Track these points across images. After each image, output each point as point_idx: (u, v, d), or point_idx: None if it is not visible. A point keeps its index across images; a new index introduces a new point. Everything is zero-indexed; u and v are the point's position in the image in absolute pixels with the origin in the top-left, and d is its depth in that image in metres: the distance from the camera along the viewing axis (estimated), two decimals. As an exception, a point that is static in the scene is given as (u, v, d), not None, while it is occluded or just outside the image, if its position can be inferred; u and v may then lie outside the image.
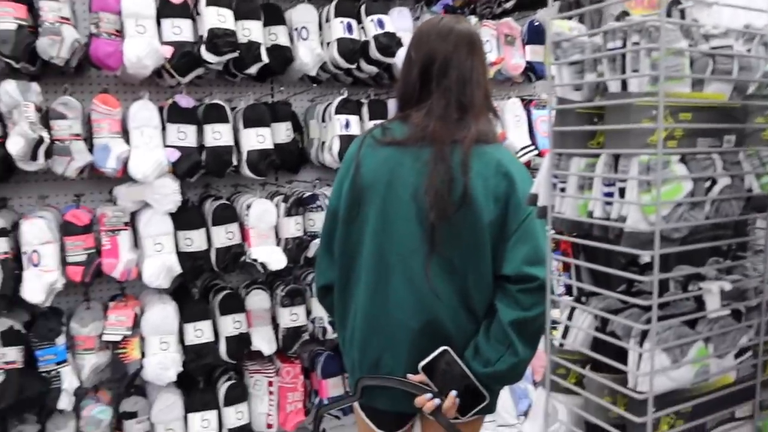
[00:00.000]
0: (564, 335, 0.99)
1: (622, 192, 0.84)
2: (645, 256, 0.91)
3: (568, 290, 1.13)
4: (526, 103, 2.99)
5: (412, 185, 1.45)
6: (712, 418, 0.94)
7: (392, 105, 2.71)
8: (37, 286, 2.05)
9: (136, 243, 2.33)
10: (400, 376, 1.48)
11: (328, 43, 2.52)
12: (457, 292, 1.45)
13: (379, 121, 2.61)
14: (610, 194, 0.86)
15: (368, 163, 1.52)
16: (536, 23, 2.99)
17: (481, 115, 1.49)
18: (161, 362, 2.27)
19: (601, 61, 0.84)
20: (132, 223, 2.32)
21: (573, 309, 0.99)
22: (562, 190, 0.94)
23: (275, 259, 2.41)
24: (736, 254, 1.01)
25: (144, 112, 2.23)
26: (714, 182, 0.85)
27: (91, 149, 2.19)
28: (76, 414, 2.29)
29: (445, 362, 1.42)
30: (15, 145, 1.98)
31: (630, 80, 0.81)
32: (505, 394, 2.91)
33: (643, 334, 0.88)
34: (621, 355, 0.91)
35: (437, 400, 1.40)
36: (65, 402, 2.14)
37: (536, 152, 2.89)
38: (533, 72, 2.99)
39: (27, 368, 2.10)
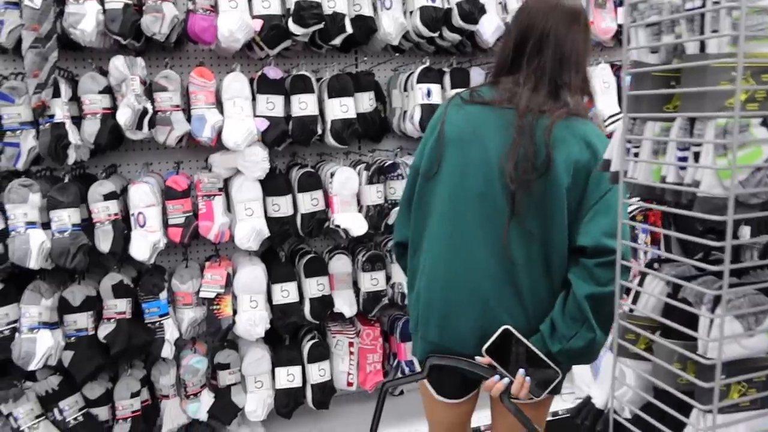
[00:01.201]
0: (634, 301, 0.99)
1: (696, 156, 0.83)
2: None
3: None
4: (617, 69, 2.87)
5: (494, 146, 1.43)
6: (790, 390, 0.92)
7: (474, 73, 2.69)
8: (143, 245, 2.25)
9: (229, 207, 2.49)
10: (469, 342, 1.45)
11: (411, 12, 2.54)
12: (535, 260, 1.42)
13: (460, 89, 2.63)
14: (684, 159, 0.84)
15: (453, 119, 1.51)
16: (629, -15, 2.85)
17: (576, 95, 1.46)
18: (251, 319, 2.43)
19: (679, 22, 0.82)
20: (225, 189, 2.47)
21: (644, 275, 0.98)
22: (636, 155, 0.93)
23: (357, 226, 2.50)
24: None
25: (236, 84, 2.36)
26: (798, 146, 0.82)
27: (188, 119, 2.34)
28: (177, 362, 2.51)
29: (509, 342, 1.37)
30: (123, 116, 2.16)
31: (709, 41, 0.79)
32: (585, 369, 2.87)
33: (716, 301, 0.87)
34: (691, 323, 0.90)
35: (506, 380, 1.35)
36: (168, 351, 2.35)
37: (625, 121, 2.78)
38: (624, 36, 2.86)
39: (135, 319, 2.32)
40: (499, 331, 1.37)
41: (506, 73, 1.51)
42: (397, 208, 2.57)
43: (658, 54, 0.88)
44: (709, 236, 0.97)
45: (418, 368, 2.75)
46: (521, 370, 1.34)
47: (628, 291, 1.01)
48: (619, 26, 2.81)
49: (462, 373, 1.49)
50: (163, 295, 2.37)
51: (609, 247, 1.31)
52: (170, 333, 2.36)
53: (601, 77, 2.82)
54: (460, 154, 1.47)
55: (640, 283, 0.98)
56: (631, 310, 1.00)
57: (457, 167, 1.47)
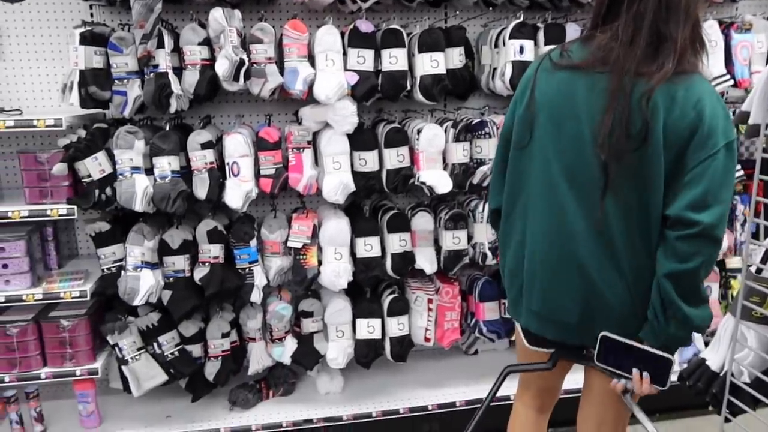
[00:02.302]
0: (764, 261, 0.95)
1: None
2: None
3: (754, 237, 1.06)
4: (725, 27, 2.69)
5: (587, 115, 1.37)
6: None
7: (571, 29, 2.59)
8: (237, 194, 2.34)
9: (317, 161, 2.54)
10: (573, 312, 1.44)
11: (508, -36, 2.45)
12: (635, 232, 1.36)
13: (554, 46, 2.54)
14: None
15: (543, 87, 1.46)
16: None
17: (685, 51, 1.32)
18: (335, 270, 2.50)
19: None
20: (314, 142, 2.51)
21: (778, 234, 0.94)
22: (781, 106, 0.88)
23: (442, 183, 2.49)
24: None
25: (328, 37, 2.37)
26: None
27: (281, 72, 2.38)
28: (264, 308, 2.62)
29: (613, 344, 1.35)
30: (221, 67, 2.22)
31: None
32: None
33: None
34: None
35: (623, 381, 1.35)
36: (256, 296, 2.45)
37: (732, 83, 2.62)
38: (737, -10, 2.67)
39: (227, 264, 2.43)
40: (598, 340, 1.36)
41: (603, 24, 1.40)
42: (483, 167, 2.55)
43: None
44: None
45: (498, 329, 2.76)
46: (635, 370, 1.31)
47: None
48: (732, -21, 2.62)
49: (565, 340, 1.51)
50: (253, 242, 2.46)
51: (692, 220, 1.24)
52: (259, 279, 2.46)
53: (707, 35, 2.64)
54: (551, 125, 1.43)
55: (772, 243, 0.94)
56: (759, 271, 0.95)
57: (550, 138, 1.43)
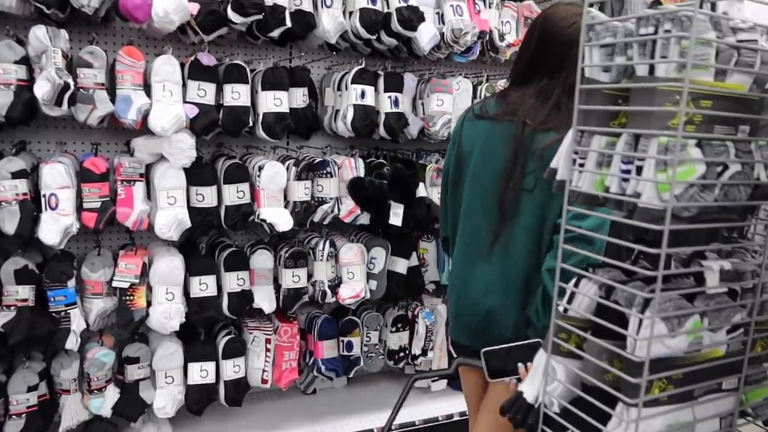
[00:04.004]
0: (569, 301, 1.06)
1: (639, 170, 0.91)
2: (650, 234, 0.97)
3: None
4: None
5: (500, 156, 1.57)
6: (700, 387, 1.01)
7: (408, 78, 2.75)
8: (54, 229, 2.11)
9: (149, 195, 2.39)
10: (477, 339, 1.62)
11: (351, 12, 2.55)
12: (533, 247, 1.55)
13: (392, 94, 2.68)
14: (627, 171, 0.92)
15: (467, 134, 1.70)
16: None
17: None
18: (166, 312, 2.34)
19: (632, 46, 0.89)
20: (146, 176, 2.36)
21: (580, 278, 1.05)
22: (581, 165, 1.00)
23: (283, 221, 2.48)
24: (738, 239, 1.08)
25: (167, 67, 2.27)
26: (725, 168, 0.91)
27: (113, 99, 2.22)
28: (81, 355, 2.37)
29: (497, 355, 1.45)
30: (41, 89, 2.02)
31: (658, 66, 0.87)
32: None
33: (645, 304, 0.95)
34: (620, 325, 0.98)
35: (514, 379, 1.44)
36: (72, 342, 2.21)
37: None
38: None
39: (38, 307, 2.17)
40: (482, 357, 1.45)
41: (518, 84, 1.62)
42: (323, 206, 2.59)
43: (609, 73, 0.95)
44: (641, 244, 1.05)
45: (336, 367, 2.77)
46: (520, 365, 1.43)
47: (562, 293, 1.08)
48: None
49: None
50: (71, 283, 2.23)
51: (573, 224, 1.40)
52: (76, 324, 2.23)
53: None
54: (474, 165, 1.67)
55: (576, 285, 1.06)
56: (565, 310, 1.06)
57: (473, 176, 1.66)
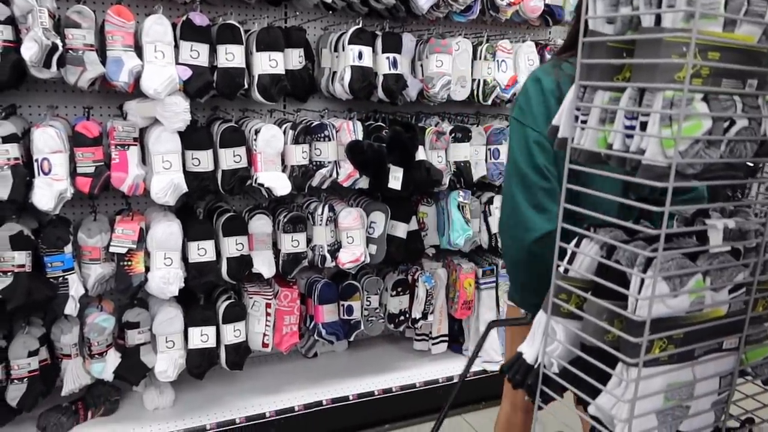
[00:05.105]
0: (570, 262, 1.04)
1: (643, 126, 0.88)
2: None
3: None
4: (541, 48, 2.97)
5: None
6: (701, 347, 1.00)
7: (406, 39, 2.68)
8: (48, 194, 2.08)
9: (144, 159, 2.35)
10: None
11: (347, -30, 2.48)
12: None
13: (390, 55, 2.61)
14: (631, 127, 0.89)
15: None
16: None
17: None
18: (164, 277, 2.33)
19: (638, -5, 0.86)
20: (141, 139, 2.33)
21: (581, 238, 1.03)
22: (584, 122, 0.97)
23: (281, 185, 2.45)
24: (741, 198, 1.06)
25: (158, 27, 2.21)
26: (732, 123, 0.88)
27: (103, 62, 2.17)
28: (81, 320, 2.37)
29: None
30: (29, 50, 1.97)
31: (664, 15, 0.83)
32: (494, 334, 3.02)
33: (647, 263, 0.93)
34: (621, 285, 0.96)
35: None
36: (71, 307, 2.21)
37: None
38: (551, 16, 2.96)
39: (35, 273, 2.16)
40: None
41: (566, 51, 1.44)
42: (322, 170, 2.55)
43: (614, 25, 0.91)
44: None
45: (337, 330, 2.78)
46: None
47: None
48: (547, 5, 2.90)
49: None
50: (68, 248, 2.22)
51: None
52: (75, 289, 2.22)
53: (526, 54, 2.91)
54: None
55: (577, 245, 1.04)
56: (566, 271, 1.05)
57: None
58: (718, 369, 1.04)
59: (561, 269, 1.06)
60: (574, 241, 1.04)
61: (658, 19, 0.85)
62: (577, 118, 0.98)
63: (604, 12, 0.91)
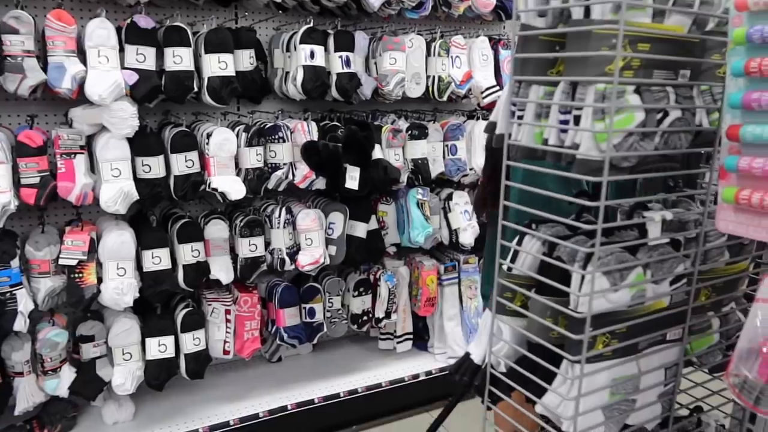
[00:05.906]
0: (513, 260, 1.03)
1: (577, 120, 0.87)
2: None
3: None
4: (494, 43, 2.97)
5: None
6: (645, 339, 1.01)
7: (359, 37, 2.66)
8: (-12, 207, 2.00)
9: (93, 167, 2.28)
10: None
11: (296, -32, 2.44)
12: None
13: (343, 53, 2.58)
14: (565, 122, 0.88)
15: None
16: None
17: None
18: (118, 287, 2.27)
19: (566, -12, 0.85)
20: (88, 147, 2.26)
21: (523, 235, 1.03)
22: (520, 118, 0.96)
23: (235, 189, 2.40)
24: (683, 188, 1.06)
25: (101, 31, 2.14)
26: (666, 114, 0.88)
27: (44, 68, 2.10)
28: (32, 336, 2.29)
29: None
30: (-39, 57, 1.88)
31: (593, 7, 0.83)
32: (456, 329, 3.02)
33: (587, 259, 0.92)
34: (564, 281, 0.95)
35: None
36: (20, 324, 2.13)
37: (500, 93, 2.89)
38: (504, 11, 2.96)
39: (-21, 289, 2.07)
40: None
41: None
42: (277, 172, 2.51)
43: (545, 18, 0.90)
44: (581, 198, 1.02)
45: (299, 334, 2.74)
46: None
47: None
48: (499, 0, 2.90)
49: None
50: (15, 263, 2.14)
51: None
52: (24, 304, 2.14)
53: (480, 50, 2.90)
54: None
55: (519, 243, 1.03)
56: (509, 269, 1.04)
57: None
58: (663, 360, 1.04)
59: (505, 267, 1.05)
60: (515, 239, 1.03)
61: (588, 11, 0.84)
62: (513, 113, 0.97)
63: (536, 5, 0.90)
